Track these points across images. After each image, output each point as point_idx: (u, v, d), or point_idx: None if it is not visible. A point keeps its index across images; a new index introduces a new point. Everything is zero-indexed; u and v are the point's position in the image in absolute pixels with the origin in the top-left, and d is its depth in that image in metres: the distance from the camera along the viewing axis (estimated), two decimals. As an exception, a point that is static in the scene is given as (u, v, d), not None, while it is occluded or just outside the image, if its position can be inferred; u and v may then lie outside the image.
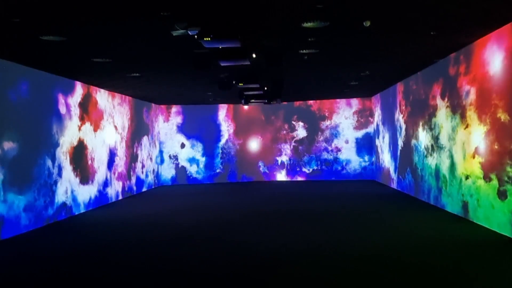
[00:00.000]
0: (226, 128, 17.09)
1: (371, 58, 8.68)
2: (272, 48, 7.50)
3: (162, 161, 17.10)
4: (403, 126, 12.13)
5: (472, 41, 7.46)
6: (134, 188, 14.17)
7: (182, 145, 17.11)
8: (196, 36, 5.65)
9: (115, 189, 12.62)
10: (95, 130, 11.38)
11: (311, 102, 16.70)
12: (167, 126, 17.14)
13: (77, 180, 10.35)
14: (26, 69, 8.41)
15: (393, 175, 13.42)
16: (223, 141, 17.08)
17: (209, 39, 5.62)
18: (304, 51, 7.76)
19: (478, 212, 7.56)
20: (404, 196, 11.52)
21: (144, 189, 15.08)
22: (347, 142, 16.55)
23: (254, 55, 7.50)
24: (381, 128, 15.01)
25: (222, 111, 17.07)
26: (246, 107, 16.72)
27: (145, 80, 10.69)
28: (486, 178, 7.22)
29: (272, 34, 6.62)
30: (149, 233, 7.91)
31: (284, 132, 16.94)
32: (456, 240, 6.62)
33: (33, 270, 5.75)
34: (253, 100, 12.89)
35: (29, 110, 8.49)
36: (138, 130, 14.71)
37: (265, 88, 11.47)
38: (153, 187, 16.04)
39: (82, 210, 10.55)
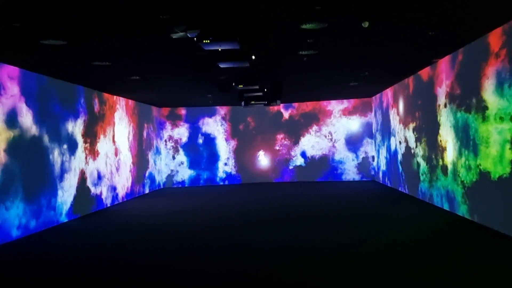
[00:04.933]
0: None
1: (370, 58, 8.70)
2: (271, 50, 7.52)
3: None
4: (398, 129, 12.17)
5: (470, 40, 7.50)
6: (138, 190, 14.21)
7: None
8: (195, 39, 5.69)
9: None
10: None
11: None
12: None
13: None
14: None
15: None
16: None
17: (208, 41, 5.66)
18: (303, 52, 7.79)
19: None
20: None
21: (147, 191, 15.12)
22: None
23: (253, 57, 7.53)
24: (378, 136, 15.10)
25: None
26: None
27: (145, 83, 10.72)
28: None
29: (271, 36, 6.65)
30: (152, 233, 7.96)
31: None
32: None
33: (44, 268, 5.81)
34: (253, 102, 12.92)
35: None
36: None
37: (265, 90, 11.49)
38: (156, 188, 16.08)
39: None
